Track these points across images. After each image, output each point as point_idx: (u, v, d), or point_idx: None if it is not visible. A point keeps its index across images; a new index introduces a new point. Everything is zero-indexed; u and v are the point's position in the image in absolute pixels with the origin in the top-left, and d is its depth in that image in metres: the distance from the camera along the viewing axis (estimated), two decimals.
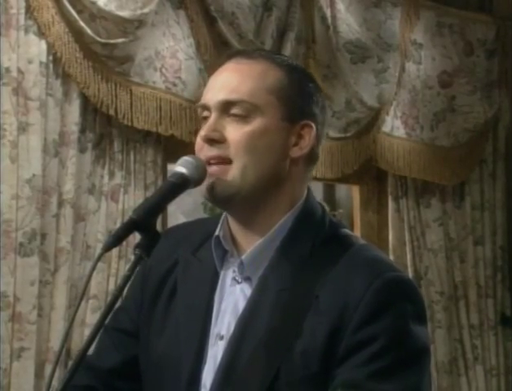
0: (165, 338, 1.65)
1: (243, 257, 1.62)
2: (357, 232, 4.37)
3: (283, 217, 1.63)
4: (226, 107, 1.61)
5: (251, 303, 1.59)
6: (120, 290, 1.47)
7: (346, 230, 1.69)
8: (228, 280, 1.64)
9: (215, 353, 1.60)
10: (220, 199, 1.60)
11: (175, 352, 1.62)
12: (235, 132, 1.59)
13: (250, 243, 1.63)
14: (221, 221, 1.66)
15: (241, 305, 1.61)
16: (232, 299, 1.63)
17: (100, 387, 1.71)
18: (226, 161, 1.59)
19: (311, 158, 1.69)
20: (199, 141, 1.63)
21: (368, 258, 1.60)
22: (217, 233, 1.65)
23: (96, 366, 1.65)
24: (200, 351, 1.60)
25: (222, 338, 1.60)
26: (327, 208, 1.73)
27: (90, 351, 1.51)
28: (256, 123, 1.60)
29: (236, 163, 1.58)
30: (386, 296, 1.53)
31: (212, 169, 1.58)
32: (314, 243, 1.61)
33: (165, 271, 1.70)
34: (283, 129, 1.62)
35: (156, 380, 1.65)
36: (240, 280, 1.63)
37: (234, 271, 1.64)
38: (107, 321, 1.48)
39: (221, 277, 1.65)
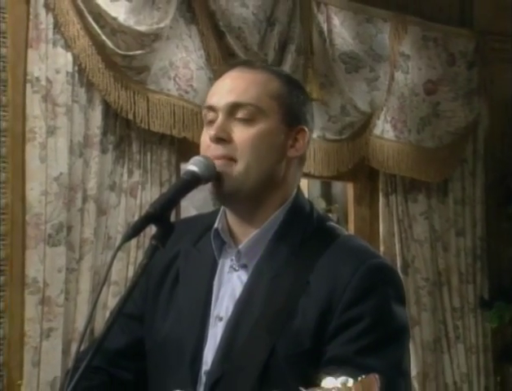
0: (169, 321, 1.65)
1: (240, 246, 1.63)
2: (351, 225, 4.38)
3: (275, 211, 1.63)
4: (233, 109, 1.61)
5: (247, 288, 1.60)
6: (138, 277, 1.48)
7: (332, 223, 1.70)
8: (226, 268, 1.65)
9: (215, 333, 1.60)
10: (225, 194, 1.60)
11: (179, 333, 1.62)
12: (241, 134, 1.59)
13: (246, 235, 1.63)
14: (219, 215, 1.67)
15: (238, 290, 1.61)
16: (230, 285, 1.63)
17: (107, 367, 1.70)
18: (231, 160, 1.59)
19: (302, 160, 1.69)
20: (205, 140, 1.63)
21: (353, 247, 1.61)
22: (216, 225, 1.66)
23: (104, 348, 1.60)
24: (201, 332, 1.61)
25: (221, 319, 1.60)
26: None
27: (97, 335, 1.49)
28: (260, 126, 1.60)
29: (241, 161, 1.58)
30: (370, 281, 1.54)
31: (219, 162, 1.58)
32: (304, 234, 1.62)
33: (168, 261, 1.70)
34: (282, 132, 1.63)
35: (161, 359, 1.65)
36: (237, 268, 1.63)
37: (232, 260, 1.64)
38: (116, 306, 1.47)
39: (219, 265, 1.65)
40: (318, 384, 1.22)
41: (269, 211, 1.63)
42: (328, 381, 1.22)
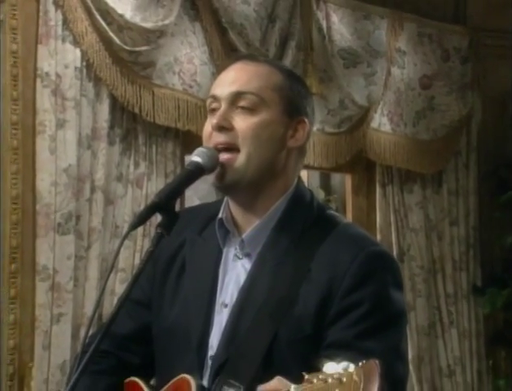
0: (176, 308, 1.65)
1: (244, 235, 1.62)
2: (349, 215, 4.37)
3: (277, 201, 1.62)
4: (236, 98, 1.60)
5: (251, 276, 1.59)
6: (144, 264, 1.48)
7: (331, 211, 1.69)
8: (231, 256, 1.64)
9: (221, 319, 1.60)
10: (227, 184, 1.59)
11: (186, 319, 1.62)
12: (243, 122, 1.59)
13: (249, 224, 1.62)
14: (223, 206, 1.66)
15: (242, 277, 1.61)
16: (235, 273, 1.62)
17: (115, 351, 1.70)
18: (234, 148, 1.58)
19: (302, 151, 1.68)
20: (207, 129, 1.62)
21: (352, 235, 1.61)
22: (220, 216, 1.65)
23: (112, 333, 1.60)
24: (207, 318, 1.60)
25: (226, 306, 1.60)
26: (315, 193, 1.72)
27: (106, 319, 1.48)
28: (262, 115, 1.60)
29: (243, 150, 1.58)
30: (368, 268, 1.54)
31: (223, 156, 1.58)
32: (305, 223, 1.61)
33: (173, 250, 1.69)
34: (283, 123, 1.62)
35: (168, 344, 1.64)
36: (241, 256, 1.63)
37: (236, 249, 1.63)
38: (124, 292, 1.46)
39: (224, 254, 1.65)
40: (320, 369, 1.23)
41: (270, 200, 1.62)
42: (330, 366, 1.21)
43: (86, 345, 1.46)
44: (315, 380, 1.22)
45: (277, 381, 1.32)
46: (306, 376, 1.23)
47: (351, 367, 1.20)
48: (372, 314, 1.50)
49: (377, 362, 1.20)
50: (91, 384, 1.63)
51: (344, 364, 1.20)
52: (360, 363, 1.20)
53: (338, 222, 1.64)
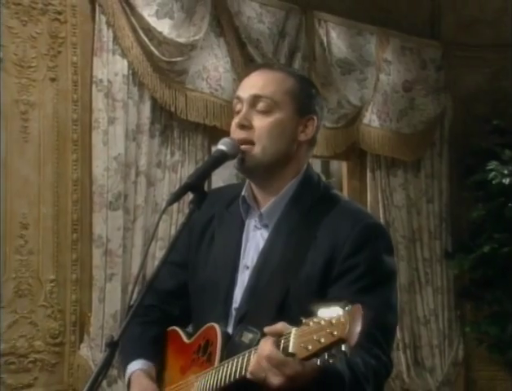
0: (208, 269, 1.64)
1: (262, 210, 1.61)
2: (345, 194, 4.35)
3: (289, 182, 1.60)
4: (254, 100, 1.58)
5: (268, 243, 1.58)
6: (179, 233, 1.47)
7: (335, 191, 1.68)
8: (251, 227, 1.63)
9: (243, 278, 1.59)
10: (247, 168, 1.58)
11: (215, 278, 1.61)
12: (260, 122, 1.57)
13: (266, 201, 1.61)
14: (245, 186, 1.65)
15: (261, 244, 1.59)
16: (255, 240, 1.61)
17: (160, 305, 1.70)
18: (251, 143, 1.56)
19: (312, 143, 1.66)
20: (233, 126, 1.61)
21: (351, 210, 1.59)
22: (243, 193, 1.64)
23: (157, 290, 1.63)
24: (232, 277, 1.59)
25: (247, 268, 1.59)
26: (322, 176, 1.70)
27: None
28: (276, 116, 1.57)
29: (258, 144, 1.56)
30: (364, 237, 1.52)
31: (242, 147, 1.56)
32: (313, 200, 1.59)
33: (205, 222, 1.68)
34: (294, 121, 1.60)
35: (201, 298, 1.64)
36: (259, 227, 1.61)
37: (255, 221, 1.62)
38: (164, 256, 1.45)
39: (246, 225, 1.63)
40: (315, 315, 1.22)
41: (283, 182, 1.60)
42: (323, 311, 1.22)
43: (134, 300, 1.45)
44: (311, 323, 1.23)
45: (281, 325, 1.31)
46: (304, 320, 1.24)
47: (340, 311, 1.20)
48: (367, 275, 1.49)
49: (359, 305, 1.19)
50: (142, 332, 1.64)
51: (334, 309, 1.21)
52: (347, 307, 1.19)
53: (340, 199, 1.62)
